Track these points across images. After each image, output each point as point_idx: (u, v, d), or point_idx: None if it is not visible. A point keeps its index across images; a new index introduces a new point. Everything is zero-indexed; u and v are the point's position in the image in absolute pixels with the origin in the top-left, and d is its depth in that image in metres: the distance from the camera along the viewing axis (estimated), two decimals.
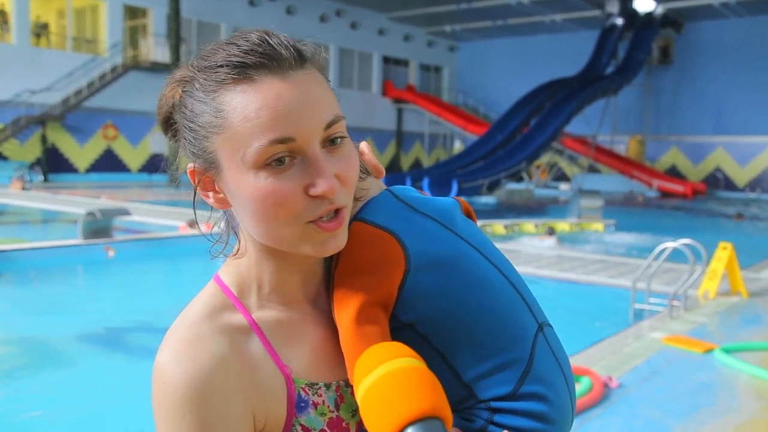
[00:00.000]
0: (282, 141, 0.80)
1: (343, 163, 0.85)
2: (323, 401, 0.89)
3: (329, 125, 0.84)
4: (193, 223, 11.00)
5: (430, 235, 0.93)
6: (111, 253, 9.50)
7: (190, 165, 0.89)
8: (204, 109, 0.84)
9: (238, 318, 0.89)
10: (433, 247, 0.91)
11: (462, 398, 0.91)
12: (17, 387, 5.10)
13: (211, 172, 0.87)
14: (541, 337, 0.93)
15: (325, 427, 0.88)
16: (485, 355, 0.89)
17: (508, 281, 0.95)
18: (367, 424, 0.72)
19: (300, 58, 0.84)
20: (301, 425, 0.87)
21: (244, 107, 0.81)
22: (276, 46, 0.83)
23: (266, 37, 0.84)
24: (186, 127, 0.87)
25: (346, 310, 0.87)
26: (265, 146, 0.80)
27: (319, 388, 0.89)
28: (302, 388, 0.88)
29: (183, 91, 0.87)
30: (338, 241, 0.87)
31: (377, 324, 0.86)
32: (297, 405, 0.87)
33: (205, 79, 0.84)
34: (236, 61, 0.82)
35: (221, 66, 0.83)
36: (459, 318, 0.89)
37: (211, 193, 0.89)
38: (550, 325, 0.97)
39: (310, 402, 0.88)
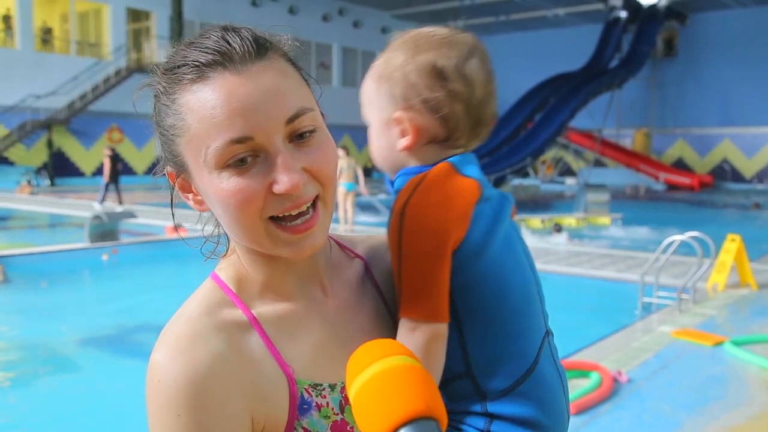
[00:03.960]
0: (240, 141, 0.77)
1: (314, 155, 0.81)
2: (327, 403, 0.84)
3: (292, 119, 0.80)
4: (178, 227, 11.03)
5: (495, 206, 0.93)
6: (106, 257, 9.51)
7: (168, 168, 0.88)
8: (167, 111, 0.83)
9: (237, 313, 0.85)
10: (494, 216, 0.91)
11: (457, 375, 0.90)
12: (26, 390, 5.11)
13: (184, 174, 0.85)
14: (546, 343, 0.93)
15: (329, 431, 0.84)
16: (498, 337, 0.89)
17: (535, 280, 0.95)
18: (359, 423, 0.70)
19: (258, 50, 0.81)
20: (303, 428, 0.83)
21: (200, 107, 0.79)
22: (231, 42, 0.80)
23: (223, 33, 0.81)
24: (157, 132, 0.86)
25: (423, 240, 0.85)
26: (223, 147, 0.77)
27: (323, 389, 0.85)
28: (305, 389, 0.84)
29: (153, 96, 0.86)
30: (315, 241, 0.83)
31: (448, 261, 0.86)
32: (299, 407, 0.83)
33: (166, 82, 0.83)
34: (191, 61, 0.80)
35: (179, 67, 0.81)
36: (492, 290, 0.89)
37: (190, 195, 0.87)
38: (552, 334, 0.97)
39: (314, 404, 0.84)
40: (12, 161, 23.73)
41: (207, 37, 0.82)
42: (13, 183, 21.61)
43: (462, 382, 0.90)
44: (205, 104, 0.78)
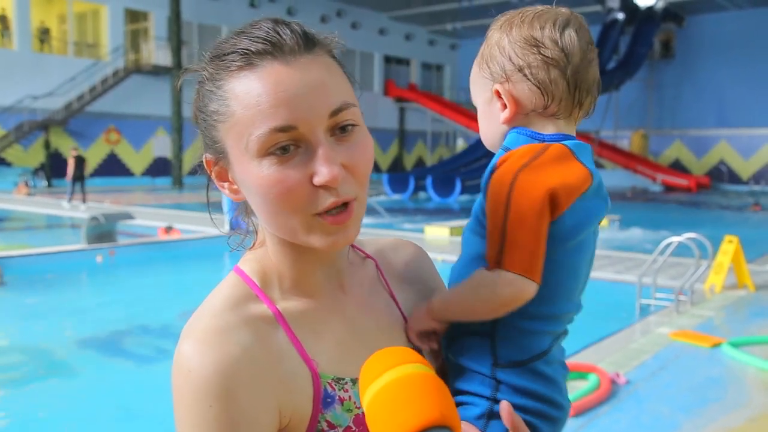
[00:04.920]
0: (283, 129, 0.78)
1: (352, 151, 0.82)
2: (349, 397, 0.86)
3: (335, 112, 0.81)
4: (169, 229, 11.07)
5: (595, 204, 0.95)
6: (100, 259, 9.49)
7: (206, 155, 0.88)
8: (211, 97, 0.84)
9: (263, 308, 0.86)
10: (590, 213, 0.93)
11: (481, 332, 0.92)
12: (22, 392, 5.10)
13: (222, 161, 0.86)
14: (560, 340, 0.97)
15: (351, 424, 0.85)
16: (531, 313, 0.90)
17: (583, 285, 0.98)
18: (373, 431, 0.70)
19: (307, 43, 0.82)
20: (326, 421, 0.84)
21: (246, 94, 0.80)
22: (281, 33, 0.81)
23: (274, 24, 0.82)
24: (199, 117, 0.87)
25: (534, 202, 0.86)
26: (266, 135, 0.78)
27: (346, 383, 0.86)
28: (328, 383, 0.85)
29: (198, 82, 0.86)
30: (348, 234, 0.84)
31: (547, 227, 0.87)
32: (323, 400, 0.84)
33: (213, 68, 0.84)
34: (240, 49, 0.81)
35: (227, 54, 0.82)
36: (551, 274, 0.90)
37: (226, 184, 0.88)
38: (566, 335, 1.00)
39: (336, 398, 0.85)
40: (9, 162, 23.70)
41: (257, 27, 0.83)
42: (11, 184, 21.59)
43: (482, 340, 0.92)
44: (251, 91, 0.79)
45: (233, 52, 0.82)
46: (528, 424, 0.89)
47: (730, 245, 7.46)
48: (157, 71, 25.62)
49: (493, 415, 0.90)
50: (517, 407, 0.89)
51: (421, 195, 22.79)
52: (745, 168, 31.45)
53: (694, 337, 5.57)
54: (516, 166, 0.89)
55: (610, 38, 29.31)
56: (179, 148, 24.36)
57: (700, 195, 26.32)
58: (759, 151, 31.04)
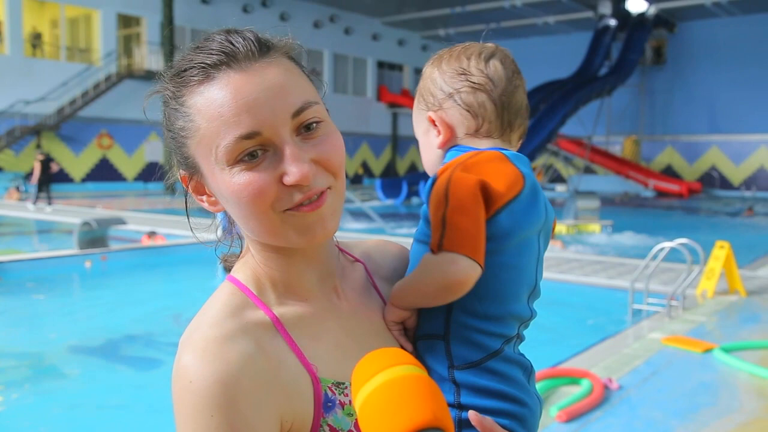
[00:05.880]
0: (248, 136, 0.79)
1: (321, 146, 0.84)
2: (350, 401, 0.86)
3: (298, 112, 0.82)
4: (153, 235, 11.07)
5: (531, 209, 0.97)
6: (89, 264, 9.45)
7: (180, 172, 0.89)
8: (176, 115, 0.84)
9: (260, 315, 0.86)
10: (524, 216, 0.95)
11: (434, 335, 0.93)
12: (14, 398, 5.06)
13: (197, 176, 0.87)
14: (512, 343, 0.97)
15: (353, 428, 0.85)
16: (479, 313, 0.92)
17: (533, 292, 0.99)
18: None
19: (261, 48, 0.83)
20: (329, 426, 0.84)
21: (208, 107, 0.81)
22: (233, 42, 0.82)
23: (226, 35, 0.84)
24: (167, 136, 0.88)
25: (469, 193, 0.89)
26: (232, 144, 0.80)
27: (345, 387, 0.86)
28: (329, 387, 0.85)
29: (162, 103, 0.87)
30: (326, 226, 0.84)
31: (481, 209, 0.89)
32: (324, 405, 0.84)
33: (174, 86, 0.85)
34: (197, 63, 0.82)
35: (185, 70, 0.83)
36: (493, 276, 0.92)
37: (204, 197, 0.89)
38: (521, 340, 1.00)
39: (337, 402, 0.85)
40: (0, 167, 23.58)
41: (211, 41, 0.84)
42: (1, 189, 21.47)
43: (437, 343, 0.93)
44: (212, 103, 0.81)
45: (191, 68, 0.83)
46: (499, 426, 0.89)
47: (721, 251, 7.49)
48: (149, 76, 25.55)
49: (463, 423, 0.90)
50: (482, 410, 0.89)
51: (414, 200, 22.81)
52: (737, 174, 31.62)
53: (686, 342, 5.59)
54: (452, 167, 0.94)
55: (602, 44, 29.47)
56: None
57: (691, 201, 26.44)
58: (750, 157, 31.22)
